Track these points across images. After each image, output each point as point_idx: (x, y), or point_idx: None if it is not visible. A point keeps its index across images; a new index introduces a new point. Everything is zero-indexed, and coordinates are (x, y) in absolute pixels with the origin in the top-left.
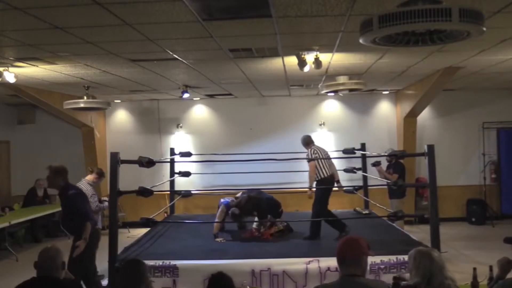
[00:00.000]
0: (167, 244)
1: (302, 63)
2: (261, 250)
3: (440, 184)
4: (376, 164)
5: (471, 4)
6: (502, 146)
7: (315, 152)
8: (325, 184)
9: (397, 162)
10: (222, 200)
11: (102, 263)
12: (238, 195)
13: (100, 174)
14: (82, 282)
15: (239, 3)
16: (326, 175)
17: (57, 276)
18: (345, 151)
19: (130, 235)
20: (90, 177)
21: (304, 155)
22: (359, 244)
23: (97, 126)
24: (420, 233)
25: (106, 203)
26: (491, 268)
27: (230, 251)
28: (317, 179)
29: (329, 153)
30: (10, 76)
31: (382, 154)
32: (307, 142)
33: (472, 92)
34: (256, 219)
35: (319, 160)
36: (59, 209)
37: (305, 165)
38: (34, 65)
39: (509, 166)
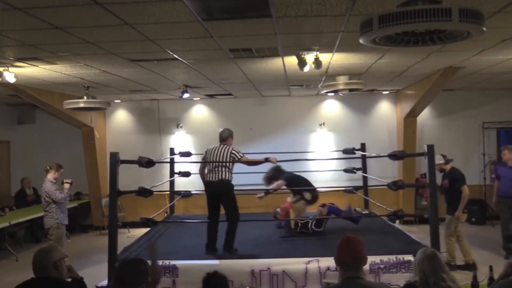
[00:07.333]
0: (167, 244)
1: (302, 63)
2: (261, 250)
3: None
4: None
5: (471, 4)
6: (502, 146)
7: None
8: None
9: (452, 170)
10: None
11: (102, 263)
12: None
13: (59, 167)
14: None
15: (239, 3)
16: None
17: (54, 276)
18: (345, 151)
19: (130, 235)
20: (51, 175)
21: (304, 155)
22: (359, 246)
23: (97, 126)
24: (420, 233)
25: (68, 185)
26: (491, 268)
27: None
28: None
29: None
30: (10, 76)
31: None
32: (229, 136)
33: (472, 92)
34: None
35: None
36: None
37: (304, 165)
38: (34, 65)
39: None
